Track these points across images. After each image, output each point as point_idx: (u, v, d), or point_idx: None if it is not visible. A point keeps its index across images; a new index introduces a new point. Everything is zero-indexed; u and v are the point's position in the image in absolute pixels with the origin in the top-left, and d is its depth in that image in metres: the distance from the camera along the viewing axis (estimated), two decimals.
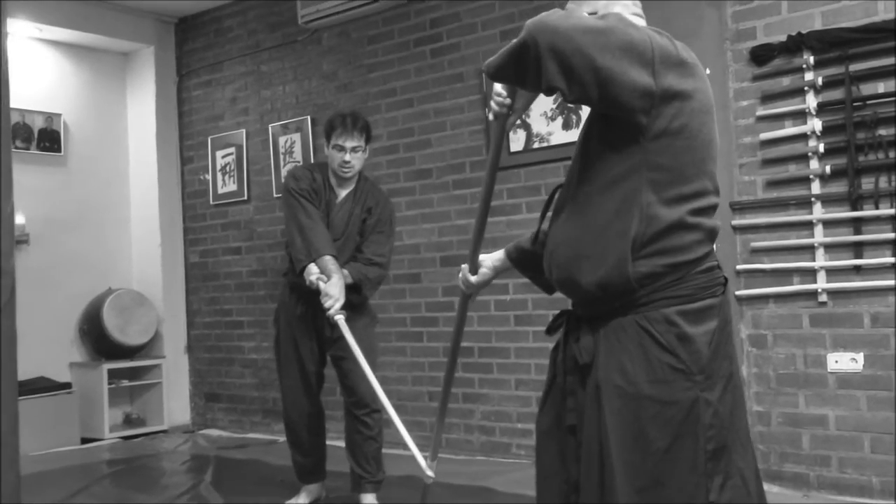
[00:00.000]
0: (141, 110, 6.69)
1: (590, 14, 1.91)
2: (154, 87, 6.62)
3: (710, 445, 1.80)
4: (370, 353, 3.67)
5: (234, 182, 6.37)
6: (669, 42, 1.81)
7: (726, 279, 1.94)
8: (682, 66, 1.81)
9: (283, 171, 5.99)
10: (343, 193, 3.84)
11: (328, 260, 3.59)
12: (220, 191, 6.45)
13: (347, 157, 3.73)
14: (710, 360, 1.83)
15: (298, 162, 5.90)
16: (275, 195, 6.08)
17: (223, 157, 6.43)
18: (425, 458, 2.93)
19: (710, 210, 1.90)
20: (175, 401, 6.54)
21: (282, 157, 6.02)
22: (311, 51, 5.92)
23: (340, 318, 3.50)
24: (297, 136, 5.93)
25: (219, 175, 6.46)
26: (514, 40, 1.78)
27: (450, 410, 5.17)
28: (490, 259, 2.35)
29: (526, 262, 2.28)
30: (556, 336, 2.11)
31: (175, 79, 6.75)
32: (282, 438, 5.79)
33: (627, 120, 1.79)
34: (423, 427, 5.24)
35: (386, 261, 3.84)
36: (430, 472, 2.90)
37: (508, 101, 1.96)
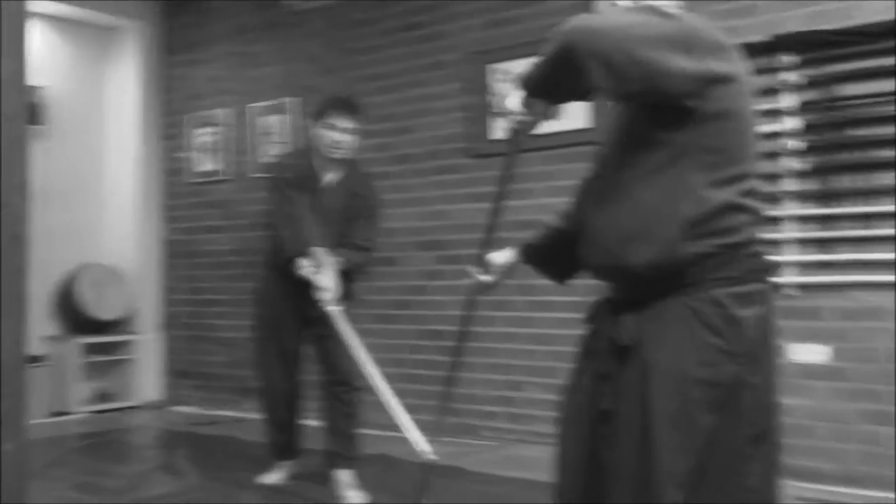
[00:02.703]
0: (124, 86, 6.67)
1: (613, 4, 1.94)
2: (138, 63, 6.61)
3: (751, 430, 1.82)
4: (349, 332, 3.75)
5: (213, 161, 6.38)
6: (705, 26, 1.82)
7: (773, 266, 1.94)
8: (722, 49, 1.81)
9: (264, 152, 6.03)
10: (330, 178, 3.84)
11: (318, 252, 3.62)
12: (200, 169, 6.47)
13: (338, 136, 3.73)
14: (755, 344, 1.83)
15: (280, 143, 5.93)
16: (254, 175, 6.11)
17: (204, 135, 6.44)
18: (425, 439, 3.10)
19: (756, 192, 1.89)
20: (147, 377, 6.56)
21: (263, 137, 6.05)
22: (297, 33, 5.94)
23: (336, 310, 3.56)
24: (278, 118, 5.96)
25: (199, 153, 6.47)
26: (549, 51, 1.78)
27: (418, 392, 5.26)
28: (500, 257, 2.37)
29: (537, 257, 2.32)
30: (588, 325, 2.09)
31: (159, 56, 6.73)
32: (253, 416, 5.86)
33: (676, 106, 1.78)
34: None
35: (373, 245, 3.88)
36: (430, 455, 3.08)
37: (527, 119, 1.96)
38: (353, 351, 3.58)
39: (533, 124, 1.99)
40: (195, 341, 6.51)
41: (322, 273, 3.58)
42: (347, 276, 3.75)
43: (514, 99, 1.95)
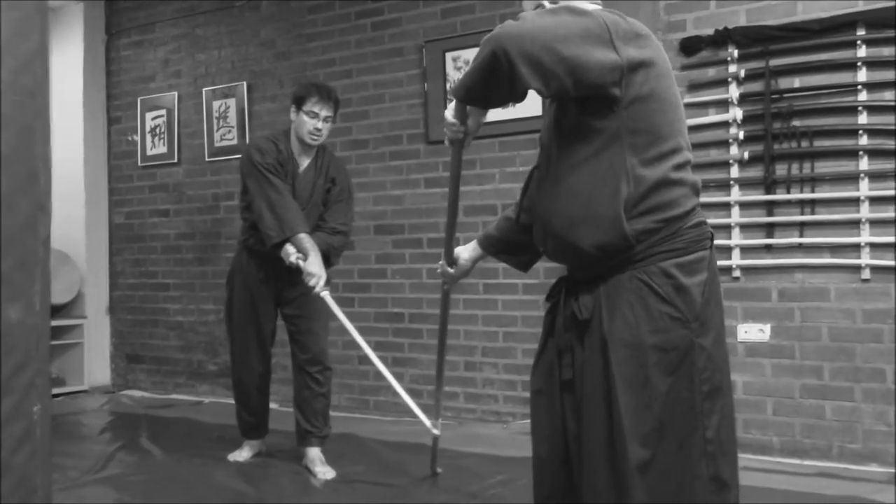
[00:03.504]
0: (67, 68, 6.58)
1: (537, 6, 2.06)
2: (82, 44, 6.53)
3: (705, 387, 1.96)
4: (322, 313, 3.84)
5: (163, 144, 6.36)
6: (621, 18, 1.96)
7: (713, 234, 2.09)
8: (638, 37, 1.95)
9: (217, 136, 6.04)
10: (305, 163, 3.90)
11: (303, 238, 3.66)
12: (150, 152, 6.43)
13: (320, 124, 3.80)
14: (702, 308, 1.98)
15: (233, 127, 5.95)
16: (206, 159, 6.12)
17: (153, 118, 6.41)
18: (429, 418, 3.42)
19: (688, 165, 2.04)
20: (95, 361, 6.52)
21: (215, 121, 6.06)
22: (249, 17, 5.95)
23: (327, 294, 3.65)
24: (231, 102, 5.97)
25: (148, 137, 6.44)
26: (479, 59, 1.90)
27: (378, 374, 5.32)
28: (466, 251, 2.54)
29: (498, 246, 2.48)
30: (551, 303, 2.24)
31: (104, 37, 6.66)
32: (207, 399, 5.91)
33: (602, 95, 1.92)
34: (352, 389, 5.42)
35: (349, 229, 3.98)
36: (435, 430, 3.44)
37: (462, 127, 2.09)
38: (312, 320, 3.80)
39: (468, 133, 2.11)
40: (146, 325, 6.49)
41: (310, 260, 3.63)
42: (326, 259, 3.79)
43: (449, 110, 2.09)
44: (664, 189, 1.97)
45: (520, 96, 1.95)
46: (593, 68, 1.86)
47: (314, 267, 3.63)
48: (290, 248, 3.68)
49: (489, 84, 1.91)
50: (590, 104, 1.96)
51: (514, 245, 2.43)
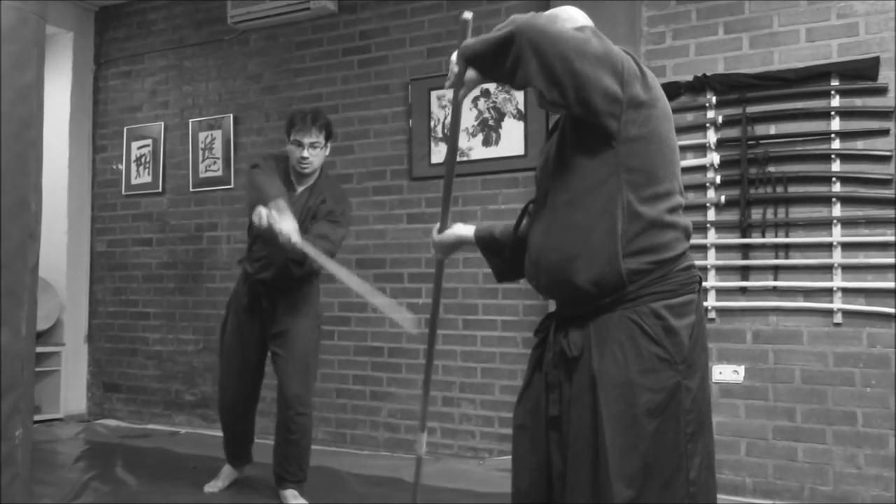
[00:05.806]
0: (55, 96, 6.60)
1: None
2: (70, 73, 6.57)
3: (690, 428, 1.99)
4: (312, 353, 3.85)
5: (148, 174, 6.39)
6: (632, 58, 2.02)
7: (701, 277, 2.13)
8: (645, 78, 2.02)
9: (202, 167, 6.08)
10: (301, 188, 3.89)
11: (279, 202, 3.48)
12: (134, 181, 6.46)
13: (305, 152, 3.78)
14: (690, 350, 2.01)
15: (218, 158, 6.00)
16: (191, 189, 6.15)
17: (139, 148, 6.45)
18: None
19: (681, 209, 2.08)
20: (72, 389, 6.49)
21: (201, 152, 6.10)
22: (238, 51, 6.03)
23: (305, 244, 3.43)
24: (217, 133, 6.03)
25: (133, 166, 6.47)
26: (500, 32, 1.93)
27: (355, 407, 5.39)
28: (459, 227, 2.50)
29: (487, 242, 2.45)
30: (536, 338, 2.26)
31: (92, 67, 6.71)
32: (184, 430, 5.89)
33: (598, 125, 1.96)
34: (329, 423, 5.42)
35: (327, 238, 3.70)
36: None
37: (460, 75, 2.05)
38: (289, 361, 3.76)
39: (463, 84, 2.07)
40: (124, 354, 6.47)
41: (281, 218, 3.43)
42: (300, 262, 3.65)
43: (455, 56, 2.08)
44: (658, 230, 2.00)
45: (518, 85, 1.97)
46: (597, 91, 1.91)
47: (286, 224, 3.43)
48: (262, 210, 3.49)
49: (496, 59, 1.94)
50: (588, 137, 2.00)
51: (502, 253, 2.42)
